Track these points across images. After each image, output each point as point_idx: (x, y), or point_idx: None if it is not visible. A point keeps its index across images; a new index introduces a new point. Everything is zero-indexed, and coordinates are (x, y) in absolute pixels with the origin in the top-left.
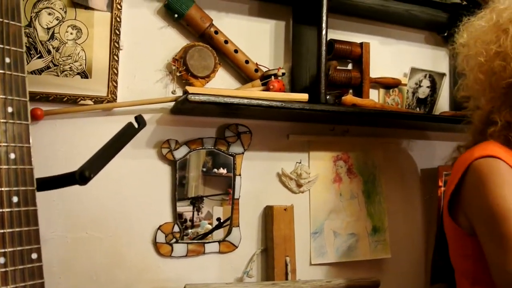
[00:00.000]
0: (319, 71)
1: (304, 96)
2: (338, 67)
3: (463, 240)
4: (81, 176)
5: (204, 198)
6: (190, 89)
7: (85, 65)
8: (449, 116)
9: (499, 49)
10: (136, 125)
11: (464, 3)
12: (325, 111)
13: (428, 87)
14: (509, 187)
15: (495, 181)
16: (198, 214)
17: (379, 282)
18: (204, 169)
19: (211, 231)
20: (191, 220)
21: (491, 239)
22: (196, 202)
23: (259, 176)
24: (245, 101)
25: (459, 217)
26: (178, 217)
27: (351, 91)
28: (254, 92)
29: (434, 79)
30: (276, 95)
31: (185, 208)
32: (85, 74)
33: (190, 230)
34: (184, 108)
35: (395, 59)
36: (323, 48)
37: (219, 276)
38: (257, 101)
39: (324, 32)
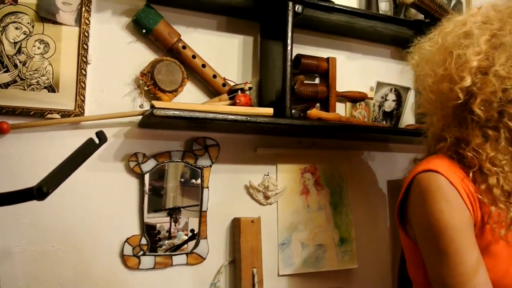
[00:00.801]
0: (284, 86)
1: (269, 111)
2: (305, 81)
3: (414, 251)
4: (38, 192)
5: (182, 209)
6: (156, 103)
7: (53, 79)
8: (412, 129)
9: (445, 72)
10: (97, 141)
11: (427, 20)
12: (290, 125)
13: (394, 100)
14: (446, 202)
15: (434, 196)
16: (175, 225)
17: None
18: (182, 180)
19: (185, 242)
20: (168, 231)
21: (429, 252)
22: (174, 213)
23: (227, 188)
24: (211, 115)
25: (408, 229)
26: (150, 228)
27: (318, 105)
28: (219, 107)
29: (399, 93)
30: (242, 110)
31: (162, 219)
32: (52, 88)
33: (166, 241)
34: (151, 122)
35: (362, 73)
36: (288, 63)
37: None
38: (222, 115)
39: (289, 47)
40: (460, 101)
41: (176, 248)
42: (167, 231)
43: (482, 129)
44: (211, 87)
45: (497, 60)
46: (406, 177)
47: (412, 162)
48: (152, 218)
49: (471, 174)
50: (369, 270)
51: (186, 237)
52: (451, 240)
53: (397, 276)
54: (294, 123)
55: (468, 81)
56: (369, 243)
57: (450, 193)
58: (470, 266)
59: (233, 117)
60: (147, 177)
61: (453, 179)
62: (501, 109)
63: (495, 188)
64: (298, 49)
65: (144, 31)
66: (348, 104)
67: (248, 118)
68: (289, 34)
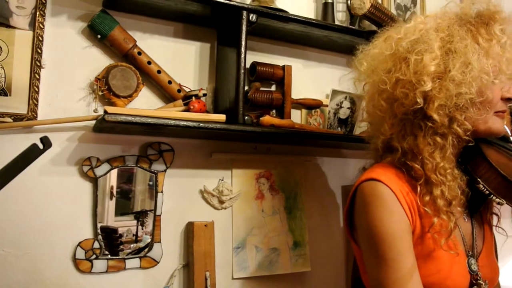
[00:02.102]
0: (237, 93)
1: (221, 117)
2: (261, 89)
3: (362, 257)
4: None
5: (149, 212)
6: (108, 108)
7: (5, 82)
8: (363, 136)
9: (402, 77)
10: (41, 146)
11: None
12: (242, 131)
13: (348, 108)
14: (386, 210)
15: (374, 204)
16: (142, 229)
17: None
18: (151, 183)
19: (146, 246)
20: (135, 235)
21: (369, 257)
22: (141, 216)
23: (182, 193)
24: (162, 121)
25: (355, 236)
26: (112, 232)
27: (273, 111)
28: (171, 113)
29: (354, 100)
30: (193, 116)
31: (129, 223)
32: (4, 92)
33: (132, 245)
34: (104, 126)
35: (318, 81)
36: (242, 70)
37: None
38: (174, 121)
39: (243, 55)
40: (418, 106)
41: (138, 251)
42: (133, 235)
43: (432, 136)
44: (166, 93)
45: (452, 66)
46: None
47: (361, 170)
48: (117, 222)
49: (418, 187)
50: (322, 273)
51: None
52: (389, 246)
53: (351, 279)
54: (246, 129)
55: (428, 85)
56: (323, 247)
57: (390, 201)
58: (405, 272)
59: (184, 123)
60: (112, 180)
61: (394, 188)
62: (451, 115)
63: (439, 199)
64: (254, 57)
65: (99, 36)
66: (304, 111)
67: (200, 124)
68: (243, 42)
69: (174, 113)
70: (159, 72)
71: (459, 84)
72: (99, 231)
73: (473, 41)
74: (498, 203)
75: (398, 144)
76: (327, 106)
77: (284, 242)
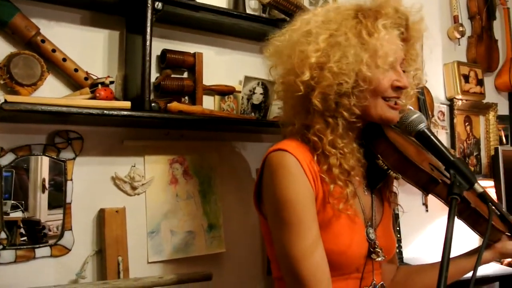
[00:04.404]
0: (143, 80)
1: (126, 104)
2: (172, 76)
3: (268, 229)
4: None
5: None
6: (8, 97)
7: None
8: (272, 120)
9: (290, 66)
10: None
11: (288, 19)
12: (148, 118)
13: (261, 94)
14: (292, 178)
15: (281, 172)
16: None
17: (210, 274)
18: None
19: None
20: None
21: (276, 226)
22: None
23: (93, 180)
24: (65, 109)
25: (262, 207)
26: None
27: (186, 98)
28: (75, 100)
29: (266, 86)
30: (98, 103)
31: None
32: None
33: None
34: (5, 115)
35: (231, 68)
36: (147, 58)
37: (54, 279)
38: (77, 109)
39: (148, 42)
40: (301, 93)
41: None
42: (56, 227)
43: (323, 117)
44: (73, 81)
45: (332, 58)
46: None
47: None
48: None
49: (315, 156)
50: (238, 253)
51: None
52: (294, 212)
53: (267, 258)
54: (152, 115)
55: (306, 75)
56: (239, 228)
57: (295, 169)
58: (311, 240)
59: (88, 110)
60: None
61: (299, 157)
62: (337, 101)
63: (334, 167)
64: (167, 44)
65: None
66: (217, 97)
67: (105, 112)
68: (148, 30)
69: (78, 101)
70: (64, 60)
71: (337, 74)
72: (4, 222)
73: (356, 35)
74: (395, 178)
75: (297, 122)
76: (240, 92)
77: (199, 225)
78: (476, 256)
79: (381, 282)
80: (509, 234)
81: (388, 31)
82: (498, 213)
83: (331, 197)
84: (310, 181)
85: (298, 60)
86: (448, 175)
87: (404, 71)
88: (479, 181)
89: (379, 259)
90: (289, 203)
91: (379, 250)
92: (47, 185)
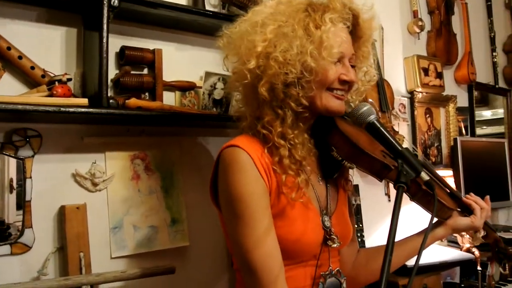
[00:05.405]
0: (101, 76)
1: (83, 101)
2: (132, 72)
3: (224, 221)
4: None
5: None
6: None
7: None
8: (227, 115)
9: (239, 55)
10: None
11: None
12: (106, 114)
13: (222, 89)
14: (244, 172)
15: (233, 167)
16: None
17: (173, 268)
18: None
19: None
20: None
21: (229, 219)
22: None
23: (53, 178)
24: (20, 107)
25: (219, 202)
26: None
27: (146, 94)
28: (31, 98)
29: (227, 81)
30: (54, 100)
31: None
32: None
33: None
34: None
35: (191, 63)
36: (104, 55)
37: (16, 277)
38: (32, 106)
39: (105, 39)
40: (248, 81)
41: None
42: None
43: (271, 108)
44: (30, 78)
45: (278, 47)
46: None
47: None
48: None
49: (266, 149)
50: (202, 246)
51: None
52: (246, 206)
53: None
54: (109, 112)
55: (252, 63)
56: (203, 222)
57: (247, 164)
58: (262, 230)
59: (44, 108)
60: None
61: (251, 152)
62: (284, 91)
63: (285, 158)
64: (126, 41)
65: None
66: (178, 93)
67: (61, 109)
68: (105, 27)
69: (35, 98)
70: (20, 57)
71: (283, 64)
72: None
73: (303, 27)
74: (350, 167)
75: (248, 113)
76: (201, 87)
77: (162, 220)
78: (430, 233)
79: (337, 268)
80: (459, 209)
81: (334, 24)
82: (448, 191)
83: (284, 186)
84: (262, 175)
85: (246, 49)
86: None
87: (354, 67)
88: (439, 171)
89: (335, 245)
90: (240, 197)
91: (334, 237)
92: (14, 185)
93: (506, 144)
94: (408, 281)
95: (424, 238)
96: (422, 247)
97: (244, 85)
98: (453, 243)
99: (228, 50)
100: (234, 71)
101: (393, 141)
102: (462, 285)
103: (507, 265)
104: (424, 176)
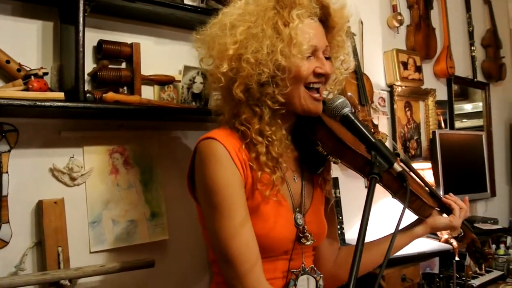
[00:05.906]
0: (77, 70)
1: (59, 95)
2: (110, 66)
3: (201, 212)
4: None
5: None
6: None
7: None
8: (210, 109)
9: (212, 58)
10: None
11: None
12: (82, 108)
13: (201, 83)
14: (220, 164)
15: (210, 160)
16: None
17: (153, 261)
18: None
19: None
20: None
21: (206, 210)
22: None
23: (30, 172)
24: None
25: (196, 193)
26: None
27: (124, 88)
28: (6, 92)
29: (206, 76)
30: (30, 94)
31: None
32: None
33: None
34: None
35: (170, 57)
36: (80, 48)
37: None
38: (7, 100)
39: (81, 33)
40: (222, 84)
41: None
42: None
43: (249, 106)
44: (5, 72)
45: (249, 49)
46: None
47: None
48: None
49: (244, 145)
50: (182, 240)
51: None
52: (222, 197)
53: None
54: (86, 106)
55: (225, 67)
56: (183, 215)
57: (224, 157)
58: (238, 221)
59: (19, 102)
60: None
61: (227, 145)
62: (260, 90)
63: (261, 155)
64: (104, 35)
65: None
66: (156, 87)
67: (37, 103)
68: (81, 20)
69: (10, 92)
70: None
71: (255, 65)
72: None
73: (272, 26)
74: (334, 162)
75: (228, 111)
76: (180, 81)
77: (141, 214)
78: (409, 231)
79: (311, 265)
80: (438, 209)
81: (302, 20)
82: (429, 191)
83: (259, 183)
84: (238, 167)
85: (218, 52)
86: None
87: (329, 58)
88: (418, 163)
89: (308, 243)
90: (217, 188)
91: (308, 235)
92: None
93: (484, 137)
94: (378, 273)
95: (391, 241)
96: (392, 241)
97: (220, 87)
98: (432, 234)
99: (202, 54)
100: (210, 74)
101: (367, 133)
102: (441, 275)
103: (483, 264)
104: (397, 167)
